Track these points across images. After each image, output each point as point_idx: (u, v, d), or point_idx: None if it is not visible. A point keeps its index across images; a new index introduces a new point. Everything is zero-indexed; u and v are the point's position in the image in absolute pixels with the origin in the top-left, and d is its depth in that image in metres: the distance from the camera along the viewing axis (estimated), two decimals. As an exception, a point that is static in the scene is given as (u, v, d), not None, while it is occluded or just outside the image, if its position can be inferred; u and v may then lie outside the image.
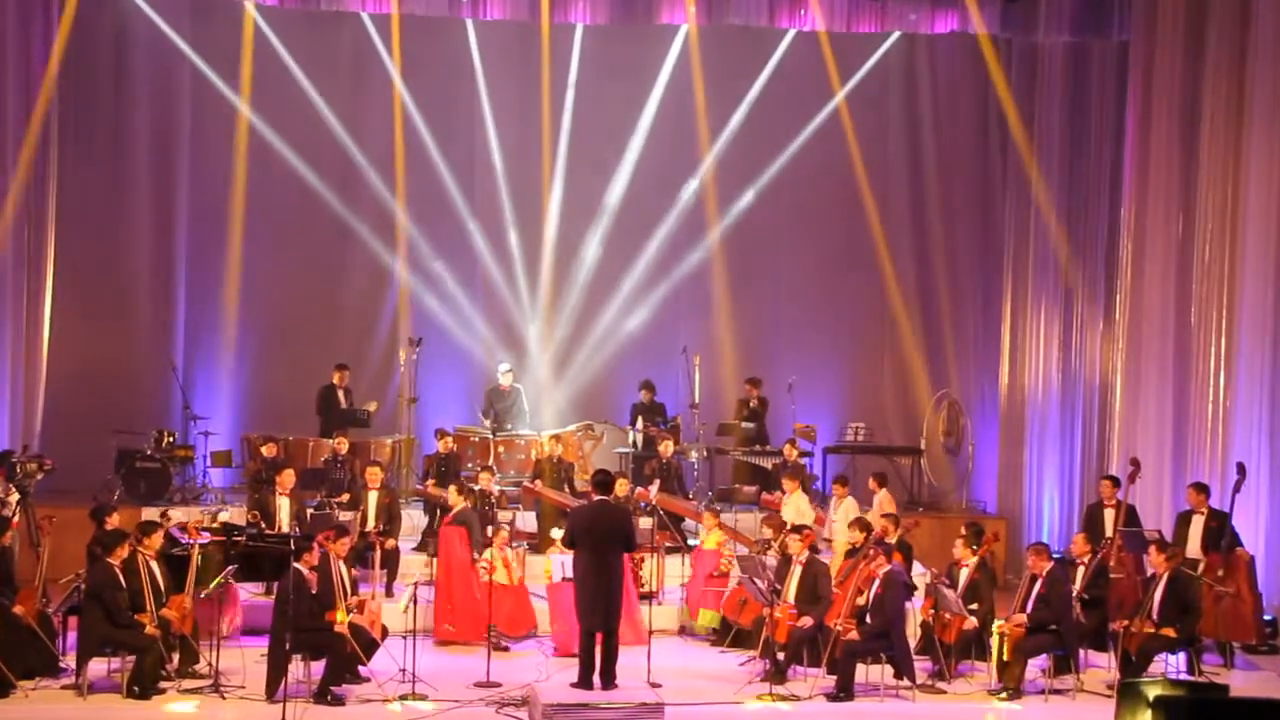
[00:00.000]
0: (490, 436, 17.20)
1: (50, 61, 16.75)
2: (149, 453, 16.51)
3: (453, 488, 14.24)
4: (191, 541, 12.45)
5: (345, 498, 15.12)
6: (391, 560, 14.34)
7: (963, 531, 13.38)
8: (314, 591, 11.73)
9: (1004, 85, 17.77)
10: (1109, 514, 14.39)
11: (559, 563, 12.95)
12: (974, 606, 12.66)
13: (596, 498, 12.13)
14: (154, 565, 11.94)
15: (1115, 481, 14.63)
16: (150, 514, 14.80)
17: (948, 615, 12.50)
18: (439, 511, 14.76)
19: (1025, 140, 17.97)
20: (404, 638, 12.08)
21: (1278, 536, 14.75)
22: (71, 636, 12.09)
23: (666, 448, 16.34)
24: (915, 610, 13.16)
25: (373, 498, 14.63)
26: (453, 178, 18.89)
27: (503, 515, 14.72)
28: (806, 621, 12.47)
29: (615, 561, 11.87)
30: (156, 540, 12.07)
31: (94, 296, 18.05)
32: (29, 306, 16.69)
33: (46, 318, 16.99)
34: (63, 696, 11.49)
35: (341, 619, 11.68)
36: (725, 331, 19.16)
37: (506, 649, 13.21)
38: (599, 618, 11.73)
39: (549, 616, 13.60)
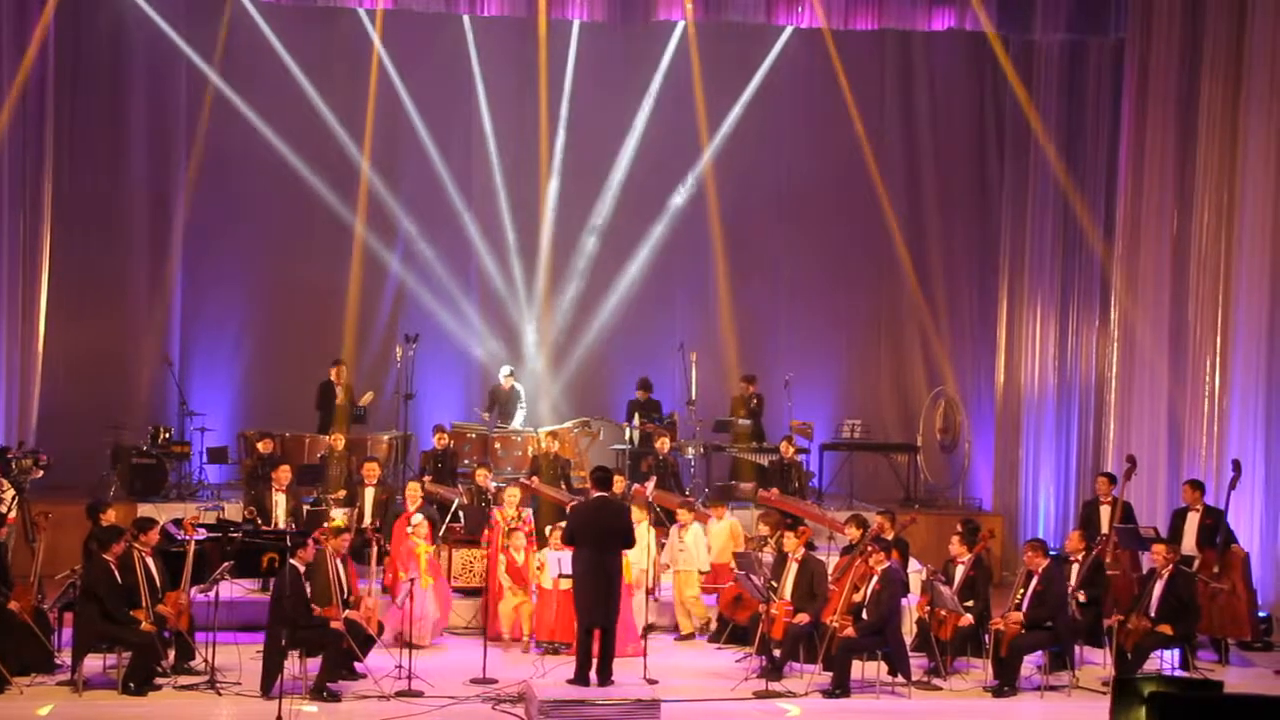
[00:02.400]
0: (488, 433, 17.22)
1: (46, 55, 16.72)
2: (145, 449, 16.51)
3: (414, 484, 14.16)
4: (188, 538, 12.44)
5: (342, 494, 15.12)
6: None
7: (959, 528, 13.39)
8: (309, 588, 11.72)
9: (1015, 78, 17.74)
10: (1105, 511, 14.40)
11: (554, 559, 12.91)
12: (970, 603, 12.68)
13: (596, 494, 12.13)
14: (150, 561, 11.94)
15: (1111, 478, 14.63)
16: (146, 510, 14.81)
17: (943, 612, 12.50)
18: (436, 508, 14.74)
19: (1021, 137, 18.01)
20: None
21: (1273, 533, 14.78)
22: (67, 633, 12.09)
23: (663, 444, 16.35)
24: (911, 607, 13.17)
25: (369, 494, 14.62)
26: (449, 174, 18.89)
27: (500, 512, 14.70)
28: (802, 618, 12.47)
29: (615, 559, 11.88)
30: (153, 536, 12.07)
31: (90, 292, 18.03)
32: (24, 301, 16.64)
33: (42, 313, 16.95)
34: (58, 693, 11.47)
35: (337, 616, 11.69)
36: (722, 328, 19.16)
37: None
38: (599, 614, 11.72)
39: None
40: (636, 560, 13.46)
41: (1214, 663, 13.24)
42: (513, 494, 14.03)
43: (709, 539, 14.27)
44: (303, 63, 18.39)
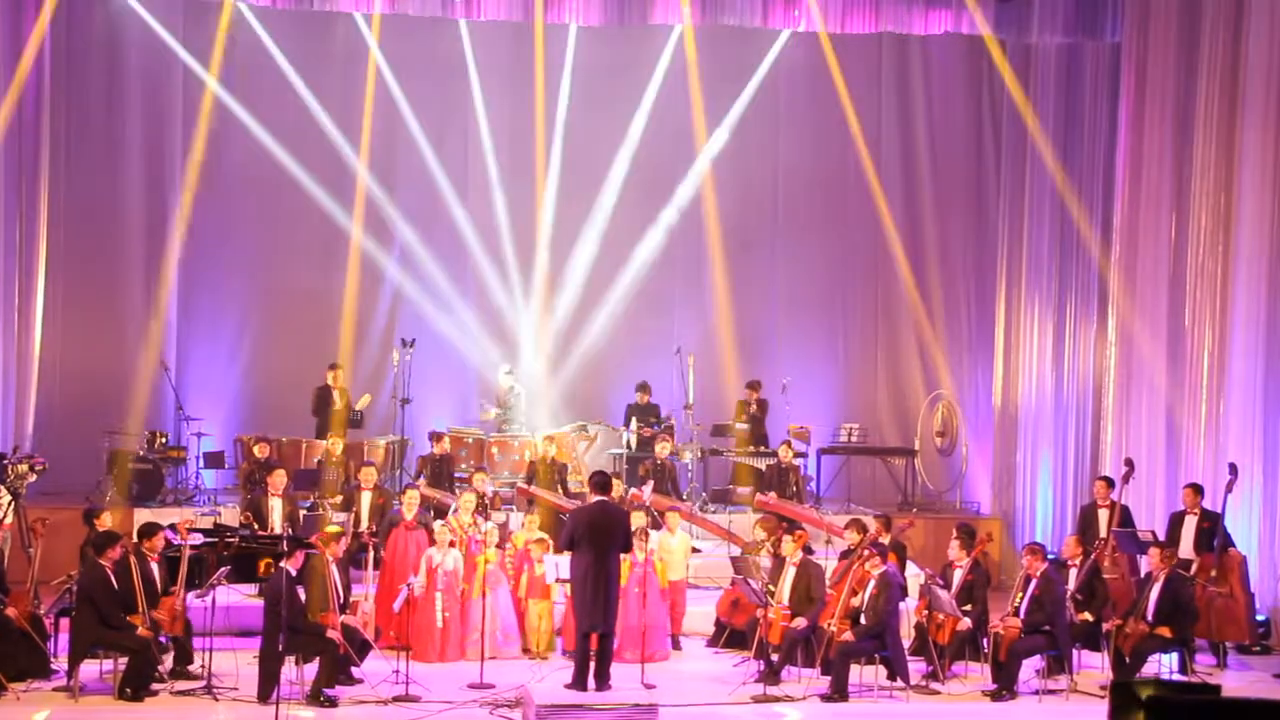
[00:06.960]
0: (484, 438, 17.22)
1: (42, 60, 16.73)
2: (141, 454, 16.49)
3: (413, 491, 14.05)
4: (183, 542, 12.42)
5: (339, 499, 15.09)
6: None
7: (956, 532, 13.38)
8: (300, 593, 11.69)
9: (1012, 81, 17.75)
10: (1103, 514, 14.39)
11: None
12: (968, 607, 12.67)
13: (596, 498, 12.10)
14: (152, 567, 11.92)
15: (1109, 482, 14.62)
16: (143, 515, 14.79)
17: (942, 616, 12.50)
18: (432, 513, 14.71)
19: (1018, 140, 18.01)
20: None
21: (1270, 537, 14.76)
22: (63, 638, 12.06)
23: (661, 449, 16.33)
24: (909, 611, 13.15)
25: (366, 499, 14.58)
26: (446, 178, 18.89)
27: (496, 516, 14.68)
28: (800, 622, 12.46)
29: (614, 562, 11.86)
30: (158, 542, 12.05)
31: (86, 296, 18.01)
32: (20, 306, 16.65)
33: (38, 318, 16.96)
34: (55, 698, 11.46)
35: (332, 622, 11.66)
36: (720, 332, 19.14)
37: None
38: (599, 618, 11.69)
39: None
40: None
41: (1212, 666, 13.25)
42: (467, 501, 13.73)
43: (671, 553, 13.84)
44: (299, 67, 18.39)
